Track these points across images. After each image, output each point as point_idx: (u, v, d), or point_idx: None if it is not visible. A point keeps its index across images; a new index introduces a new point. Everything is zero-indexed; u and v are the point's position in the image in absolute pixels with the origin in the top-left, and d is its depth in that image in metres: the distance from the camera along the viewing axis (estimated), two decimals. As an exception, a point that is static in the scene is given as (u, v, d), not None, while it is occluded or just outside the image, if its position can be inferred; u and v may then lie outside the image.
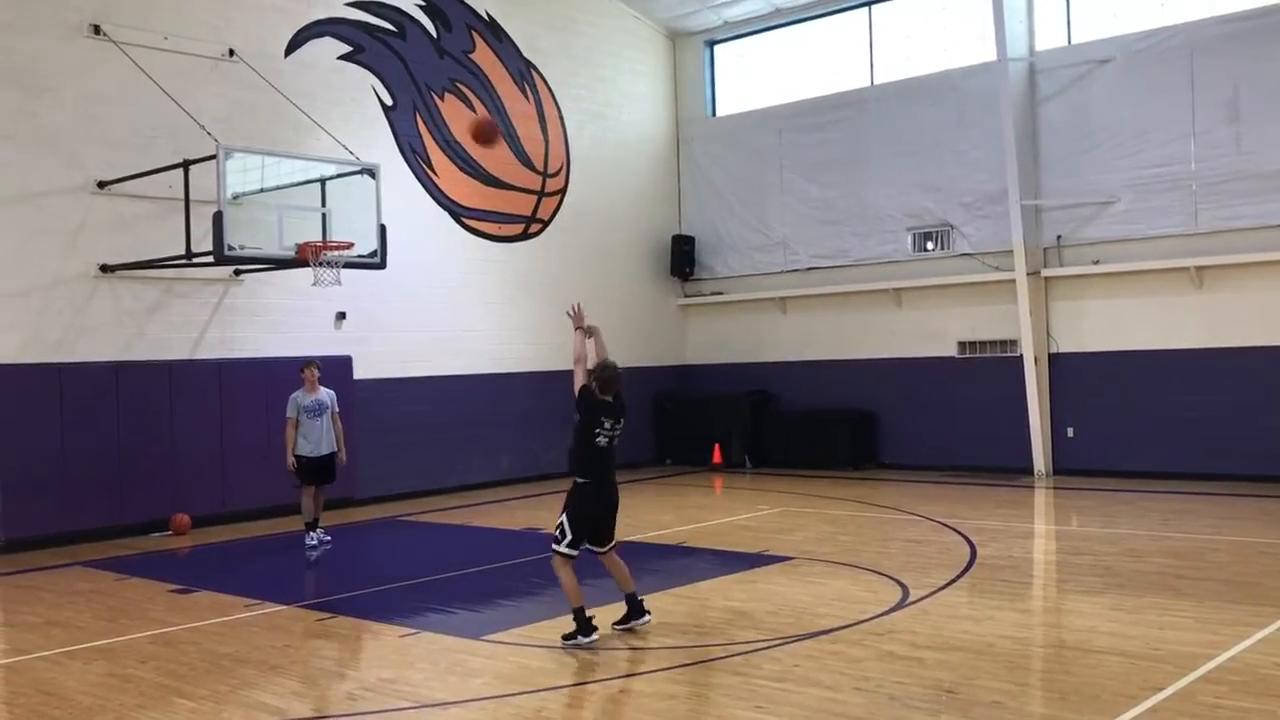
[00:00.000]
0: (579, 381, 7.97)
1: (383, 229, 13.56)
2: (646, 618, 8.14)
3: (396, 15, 16.93)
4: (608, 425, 7.92)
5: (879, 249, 18.69)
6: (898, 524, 12.86)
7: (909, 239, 18.38)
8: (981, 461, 17.27)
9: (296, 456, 12.38)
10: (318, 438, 12.42)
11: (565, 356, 18.87)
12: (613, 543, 8.14)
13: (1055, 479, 16.50)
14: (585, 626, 7.73)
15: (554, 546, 7.94)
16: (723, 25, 20.70)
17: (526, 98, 18.72)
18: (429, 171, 17.27)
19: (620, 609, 8.18)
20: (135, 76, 13.56)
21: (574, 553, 7.88)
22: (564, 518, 7.90)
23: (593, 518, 7.97)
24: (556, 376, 18.69)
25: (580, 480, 7.97)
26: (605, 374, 8.00)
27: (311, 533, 12.52)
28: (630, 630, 8.04)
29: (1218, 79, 15.41)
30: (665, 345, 20.94)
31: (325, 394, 12.55)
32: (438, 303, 17.15)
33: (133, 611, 9.47)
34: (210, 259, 12.54)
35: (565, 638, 7.78)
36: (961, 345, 17.89)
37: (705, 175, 20.93)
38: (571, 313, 8.42)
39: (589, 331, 8.34)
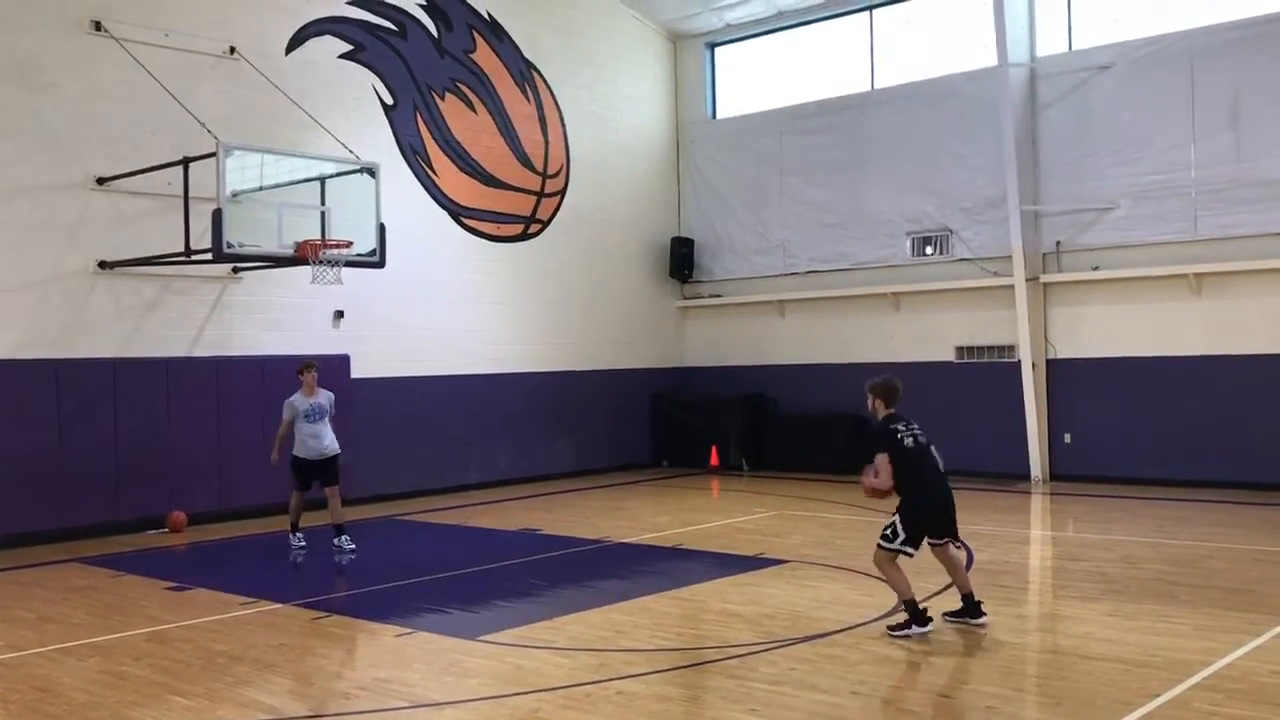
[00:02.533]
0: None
1: (382, 228, 13.55)
2: (983, 619, 8.08)
3: (398, 14, 16.93)
4: (903, 427, 8.12)
5: (878, 253, 18.70)
6: (894, 528, 12.85)
7: (908, 243, 18.39)
8: (978, 467, 17.22)
9: (296, 458, 12.19)
10: (318, 441, 12.16)
11: (563, 357, 19.10)
12: (948, 538, 8.16)
13: (1052, 485, 16.51)
14: (920, 617, 7.83)
15: (882, 544, 8.00)
16: (724, 28, 20.70)
17: (527, 98, 18.73)
18: (429, 171, 17.26)
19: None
20: (136, 73, 13.55)
21: (909, 551, 7.94)
22: (896, 517, 8.00)
23: (927, 516, 8.00)
24: (554, 377, 18.76)
25: (903, 486, 8.04)
26: (887, 385, 8.28)
27: (295, 534, 12.39)
28: (957, 621, 8.09)
29: (1218, 86, 15.42)
30: (663, 347, 20.94)
31: (324, 397, 12.31)
32: (436, 302, 17.14)
33: (128, 608, 9.46)
34: (209, 256, 12.52)
35: (893, 628, 7.88)
36: (960, 350, 17.91)
37: (705, 178, 20.93)
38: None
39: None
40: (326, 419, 12.25)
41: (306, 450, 12.17)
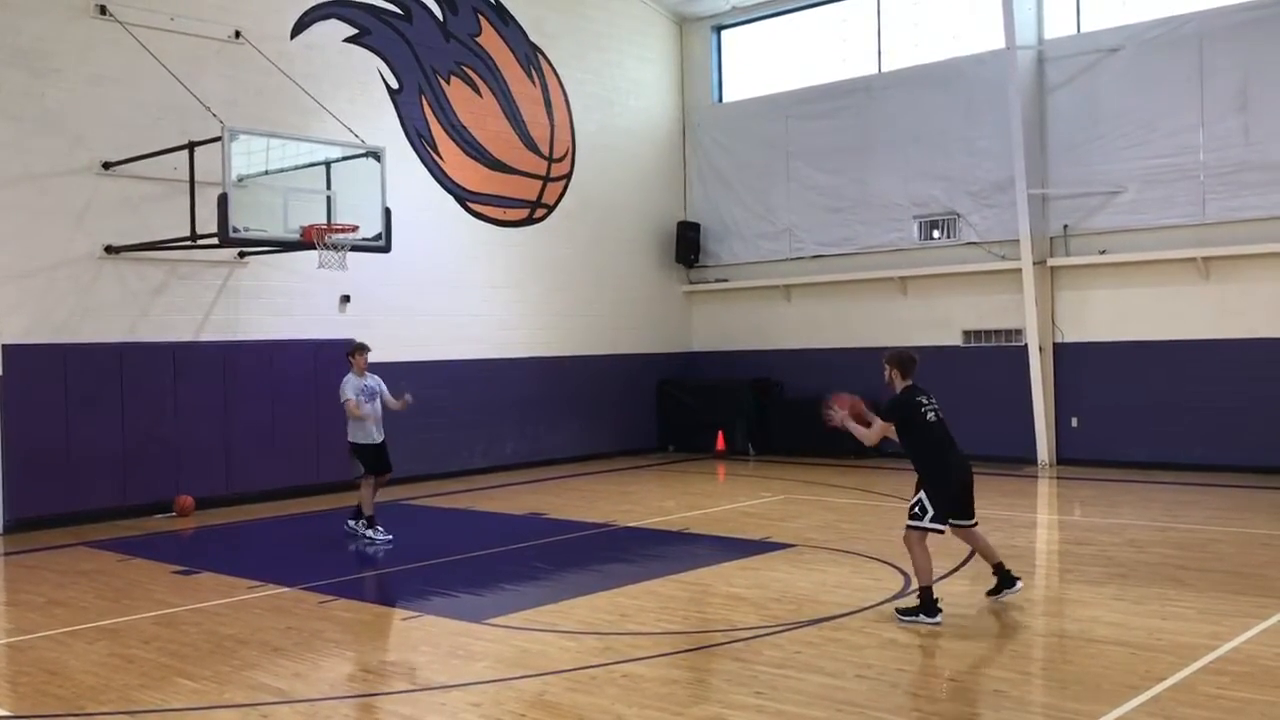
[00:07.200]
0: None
1: (387, 212, 13.53)
2: (1018, 585, 8.24)
3: (403, -2, 16.90)
4: (925, 400, 8.04)
5: (885, 237, 18.65)
6: (900, 512, 12.76)
7: (915, 227, 18.33)
8: (985, 451, 17.03)
9: (357, 445, 11.81)
10: (375, 424, 11.83)
11: (569, 342, 19.09)
12: (974, 519, 8.22)
13: (1059, 469, 16.49)
14: (931, 608, 7.72)
15: (911, 523, 7.91)
16: (730, 10, 20.61)
17: (533, 82, 18.68)
18: (434, 155, 17.24)
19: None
20: (141, 57, 13.53)
21: (939, 529, 7.90)
22: (922, 495, 7.87)
23: (954, 493, 7.98)
24: (560, 362, 18.76)
25: (927, 463, 7.96)
26: (904, 356, 8.18)
27: (377, 527, 11.77)
28: (1000, 598, 8.21)
29: (1227, 69, 15.33)
30: (669, 332, 20.93)
31: (374, 379, 11.94)
32: (442, 287, 17.13)
33: (136, 592, 9.50)
34: (215, 241, 12.54)
35: (903, 612, 7.83)
36: (967, 334, 17.87)
37: (711, 162, 20.87)
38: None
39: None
40: (378, 400, 11.89)
41: (364, 435, 11.78)
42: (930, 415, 7.98)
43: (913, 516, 7.90)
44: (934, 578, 7.96)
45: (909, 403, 7.98)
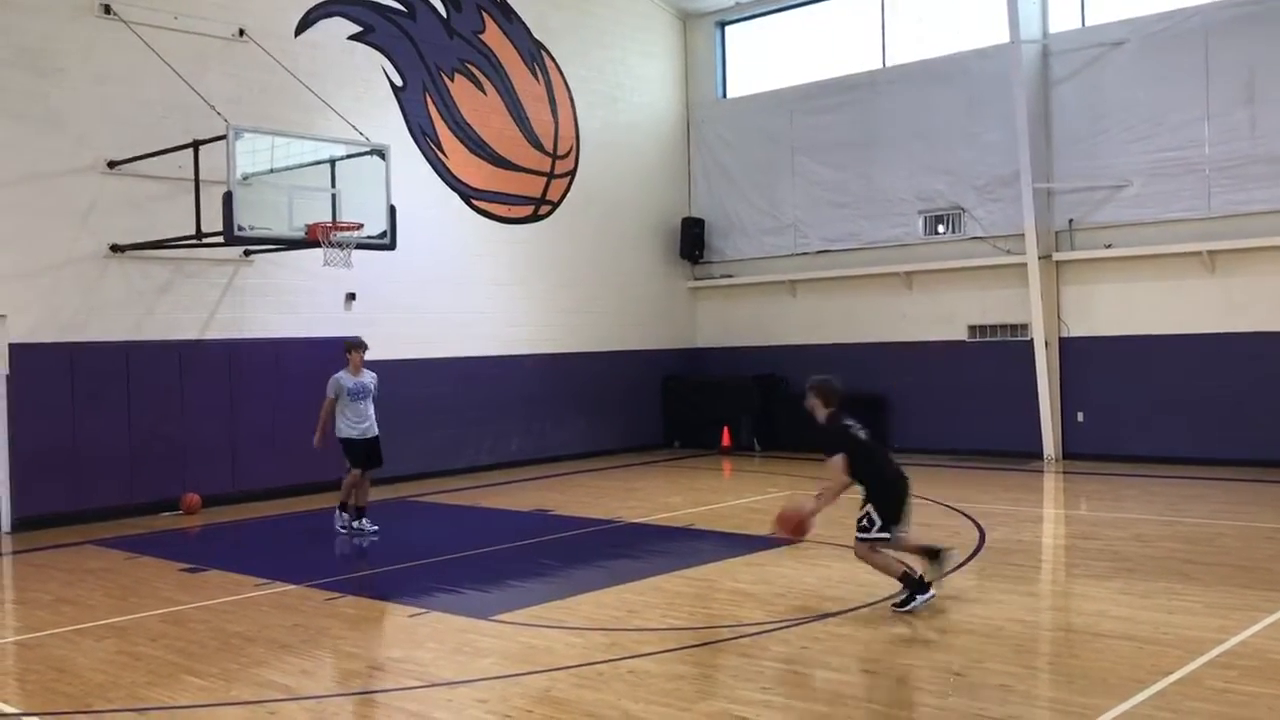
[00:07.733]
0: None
1: (392, 210, 13.53)
2: (946, 553, 8.20)
3: (406, -5, 16.89)
4: (852, 422, 8.08)
5: (890, 232, 18.63)
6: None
7: (920, 222, 18.31)
8: (991, 445, 17.23)
9: (346, 440, 11.89)
10: (366, 420, 11.90)
11: (574, 339, 19.08)
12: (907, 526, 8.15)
13: (1065, 463, 16.47)
14: (919, 585, 7.84)
15: (860, 535, 7.96)
16: (734, 6, 20.59)
17: (536, 79, 18.67)
18: (439, 153, 17.24)
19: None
20: (145, 56, 13.55)
21: (885, 536, 7.92)
22: (869, 508, 7.94)
23: (900, 499, 8.02)
24: (566, 359, 18.77)
25: (869, 477, 7.99)
26: (830, 385, 8.22)
27: (343, 513, 12.05)
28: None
29: (1233, 62, 15.29)
30: (674, 328, 20.92)
31: (370, 377, 12.04)
32: (447, 284, 17.14)
33: (143, 590, 9.52)
34: (220, 239, 12.54)
35: (898, 605, 7.84)
36: (972, 329, 17.85)
37: (715, 157, 20.86)
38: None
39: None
40: (370, 399, 11.98)
41: (354, 430, 11.87)
42: (861, 434, 8.04)
43: (861, 529, 7.97)
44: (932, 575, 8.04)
45: (842, 430, 8.03)
